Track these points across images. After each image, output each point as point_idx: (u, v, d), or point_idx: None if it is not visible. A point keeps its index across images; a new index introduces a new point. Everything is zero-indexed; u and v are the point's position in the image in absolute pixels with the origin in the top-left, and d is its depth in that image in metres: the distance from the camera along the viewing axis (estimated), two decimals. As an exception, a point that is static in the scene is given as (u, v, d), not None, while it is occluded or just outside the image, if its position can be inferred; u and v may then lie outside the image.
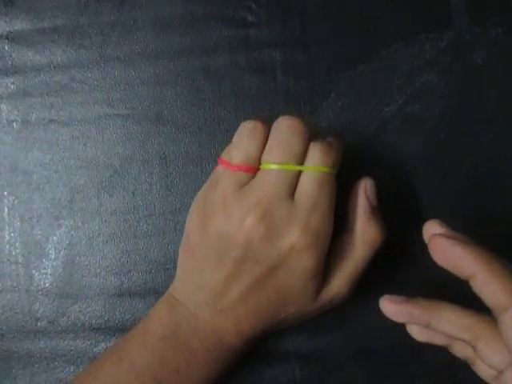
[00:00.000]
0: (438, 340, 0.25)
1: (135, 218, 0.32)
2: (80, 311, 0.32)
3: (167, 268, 0.32)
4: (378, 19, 0.31)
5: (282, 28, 0.32)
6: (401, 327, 0.30)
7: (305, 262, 0.26)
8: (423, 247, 0.25)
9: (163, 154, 0.32)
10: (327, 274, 0.27)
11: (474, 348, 0.23)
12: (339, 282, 0.27)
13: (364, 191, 0.28)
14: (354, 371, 0.30)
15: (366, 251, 0.27)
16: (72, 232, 0.33)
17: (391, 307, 0.25)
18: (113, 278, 0.32)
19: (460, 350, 0.25)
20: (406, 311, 0.25)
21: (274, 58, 0.32)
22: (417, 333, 0.26)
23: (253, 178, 0.26)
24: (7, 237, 0.33)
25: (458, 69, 0.31)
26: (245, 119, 0.28)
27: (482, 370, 0.24)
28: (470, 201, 0.31)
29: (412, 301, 0.25)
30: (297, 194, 0.26)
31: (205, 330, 0.27)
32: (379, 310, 0.30)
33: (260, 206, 0.25)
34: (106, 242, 0.32)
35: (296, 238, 0.25)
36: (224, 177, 0.27)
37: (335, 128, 0.28)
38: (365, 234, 0.27)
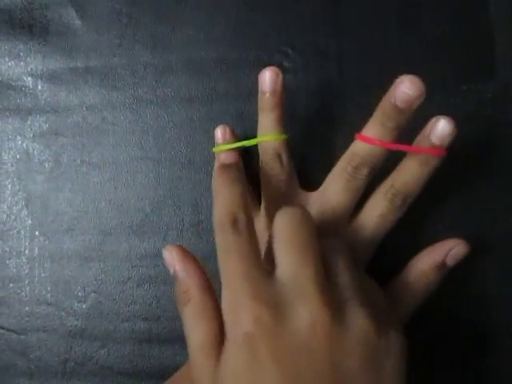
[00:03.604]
0: None
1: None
2: (108, 355, 0.32)
3: (197, 316, 0.31)
4: (418, 68, 0.30)
5: (319, 74, 0.31)
6: None
7: None
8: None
9: (195, 200, 0.32)
10: None
11: None
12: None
13: (449, 248, 0.27)
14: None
15: (416, 302, 0.27)
16: (102, 275, 0.32)
17: None
18: (142, 323, 0.32)
19: None
20: None
21: (310, 105, 0.31)
22: None
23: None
24: (37, 277, 0.33)
25: (502, 122, 0.30)
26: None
27: None
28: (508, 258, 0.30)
29: None
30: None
31: None
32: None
33: None
34: (136, 287, 0.32)
35: None
36: (270, 211, 0.27)
37: (370, 180, 0.27)
38: (421, 279, 0.27)
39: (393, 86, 0.24)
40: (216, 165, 0.28)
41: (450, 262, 0.27)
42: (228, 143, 0.29)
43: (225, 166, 0.26)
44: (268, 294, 0.21)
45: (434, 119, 0.24)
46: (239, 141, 0.29)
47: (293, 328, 0.20)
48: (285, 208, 0.24)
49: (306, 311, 0.21)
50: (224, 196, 0.24)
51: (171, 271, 0.25)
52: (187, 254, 0.25)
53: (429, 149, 0.24)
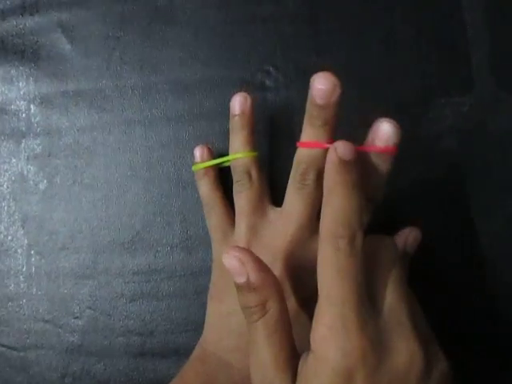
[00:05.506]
0: None
1: (157, 279, 0.33)
2: (104, 369, 0.33)
3: (188, 329, 0.32)
4: (396, 83, 0.31)
5: (300, 93, 0.32)
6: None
7: None
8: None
9: (183, 216, 0.33)
10: None
11: None
12: None
13: (405, 236, 0.28)
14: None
15: None
16: (96, 292, 0.33)
17: None
18: (136, 338, 0.33)
19: None
20: None
21: (292, 123, 0.32)
22: None
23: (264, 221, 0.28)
24: (34, 295, 0.34)
25: (481, 135, 0.30)
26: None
27: None
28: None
29: None
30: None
31: (239, 374, 0.27)
32: None
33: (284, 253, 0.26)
34: (129, 302, 0.33)
35: None
36: (241, 226, 0.28)
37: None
38: None
39: (310, 87, 0.24)
40: (333, 157, 0.22)
41: (410, 249, 0.28)
42: (206, 162, 0.30)
43: (346, 164, 0.21)
44: (374, 330, 0.20)
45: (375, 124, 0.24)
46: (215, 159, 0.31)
47: (391, 365, 0.20)
48: (384, 238, 0.23)
49: (407, 350, 0.20)
50: (343, 202, 0.21)
51: (240, 280, 0.22)
52: (261, 260, 0.22)
53: (380, 148, 0.24)
